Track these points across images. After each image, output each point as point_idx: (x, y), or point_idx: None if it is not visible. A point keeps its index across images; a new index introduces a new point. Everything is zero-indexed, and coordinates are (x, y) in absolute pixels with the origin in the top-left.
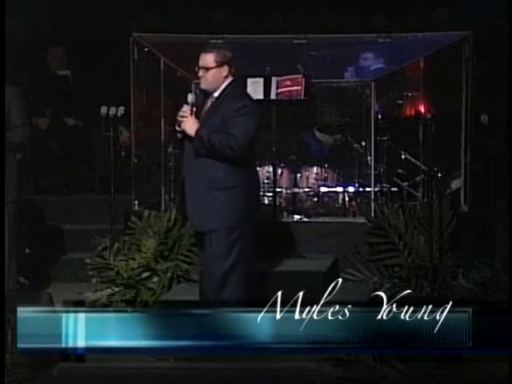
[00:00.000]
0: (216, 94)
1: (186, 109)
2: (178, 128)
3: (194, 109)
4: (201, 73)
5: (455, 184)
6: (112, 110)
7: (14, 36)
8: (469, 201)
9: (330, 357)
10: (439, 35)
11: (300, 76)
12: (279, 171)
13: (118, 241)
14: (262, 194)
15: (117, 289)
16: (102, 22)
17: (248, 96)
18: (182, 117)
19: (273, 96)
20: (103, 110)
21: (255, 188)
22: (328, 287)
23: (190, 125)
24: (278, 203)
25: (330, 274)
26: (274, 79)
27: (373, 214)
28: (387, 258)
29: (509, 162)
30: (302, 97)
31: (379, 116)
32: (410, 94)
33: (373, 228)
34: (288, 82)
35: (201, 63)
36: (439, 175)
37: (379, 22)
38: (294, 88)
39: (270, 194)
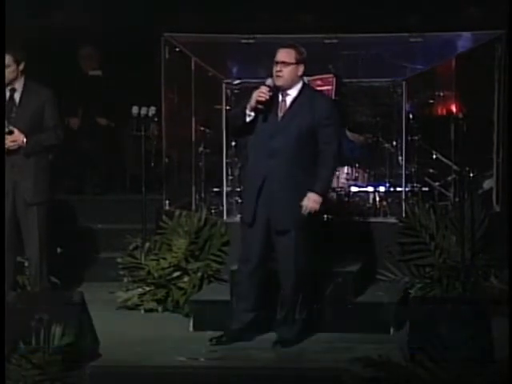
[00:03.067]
0: (293, 94)
1: (264, 89)
2: (249, 111)
3: (271, 93)
4: (278, 67)
5: (487, 184)
6: (143, 110)
7: (45, 36)
8: (501, 201)
9: (361, 357)
10: (471, 34)
11: (331, 76)
12: None
13: (149, 240)
14: None
15: (148, 288)
16: (134, 21)
17: (329, 100)
18: (260, 96)
19: None
20: (134, 110)
21: None
22: (359, 287)
23: (313, 201)
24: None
25: (361, 274)
26: (305, 79)
27: (404, 214)
28: (418, 258)
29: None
30: (333, 97)
31: (410, 116)
32: (441, 94)
33: (404, 228)
34: (319, 82)
35: (279, 58)
36: (471, 175)
37: (411, 21)
38: (325, 88)
39: None
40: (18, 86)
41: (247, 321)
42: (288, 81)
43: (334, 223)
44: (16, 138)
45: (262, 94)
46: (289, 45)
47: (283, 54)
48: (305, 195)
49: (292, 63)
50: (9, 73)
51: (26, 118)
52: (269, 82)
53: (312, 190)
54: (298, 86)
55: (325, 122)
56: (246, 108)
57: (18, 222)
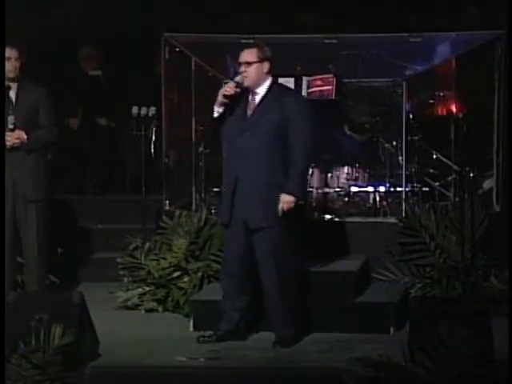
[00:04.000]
0: (261, 92)
1: (231, 85)
2: (217, 107)
3: (238, 90)
4: (243, 68)
5: (487, 184)
6: (143, 110)
7: (45, 36)
8: (501, 201)
9: (361, 357)
10: (471, 34)
11: (331, 76)
12: (310, 171)
13: (149, 240)
14: None
15: (148, 288)
16: (134, 21)
17: (296, 93)
18: (226, 91)
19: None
20: (134, 110)
21: None
22: (359, 287)
23: (288, 201)
24: (308, 203)
25: (361, 273)
26: (304, 79)
27: (404, 214)
28: (418, 258)
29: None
30: (333, 96)
31: (410, 116)
32: (441, 94)
33: (404, 228)
34: (319, 82)
35: (243, 59)
36: (471, 175)
37: (411, 21)
38: (325, 88)
39: None
40: (13, 84)
41: (235, 320)
42: (254, 79)
43: (335, 223)
44: (19, 135)
45: (228, 88)
46: (251, 45)
47: (245, 55)
48: (276, 192)
49: (255, 62)
50: (14, 68)
51: (21, 116)
52: (237, 78)
53: (285, 191)
54: (267, 84)
55: (295, 119)
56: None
57: (16, 220)
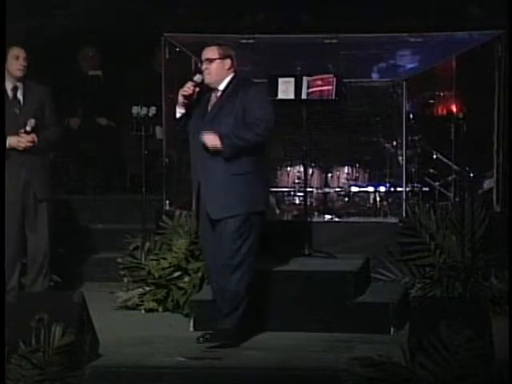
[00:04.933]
0: (222, 87)
1: (189, 85)
2: (179, 108)
3: (198, 89)
4: (204, 65)
5: (487, 184)
6: (143, 110)
7: (45, 36)
8: (501, 201)
9: (361, 357)
10: (471, 34)
11: (331, 76)
12: (310, 171)
13: (149, 240)
14: (293, 193)
15: (148, 288)
16: (134, 21)
17: (257, 84)
18: (184, 93)
19: (304, 96)
20: (135, 110)
21: (267, 174)
22: (359, 287)
23: (211, 139)
24: (309, 203)
25: (361, 273)
26: (305, 79)
27: (404, 214)
28: (418, 258)
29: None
30: (333, 97)
31: (411, 116)
32: (441, 94)
33: (404, 228)
34: (319, 82)
35: (204, 56)
36: (471, 175)
37: (411, 21)
38: (325, 88)
39: (301, 194)
40: (19, 84)
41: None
42: (215, 76)
43: (334, 223)
44: (32, 137)
45: (186, 88)
46: (212, 43)
47: (207, 52)
48: (236, 184)
49: (216, 58)
50: (23, 67)
51: (30, 116)
52: (196, 77)
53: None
54: (227, 80)
55: (251, 105)
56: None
57: (24, 220)
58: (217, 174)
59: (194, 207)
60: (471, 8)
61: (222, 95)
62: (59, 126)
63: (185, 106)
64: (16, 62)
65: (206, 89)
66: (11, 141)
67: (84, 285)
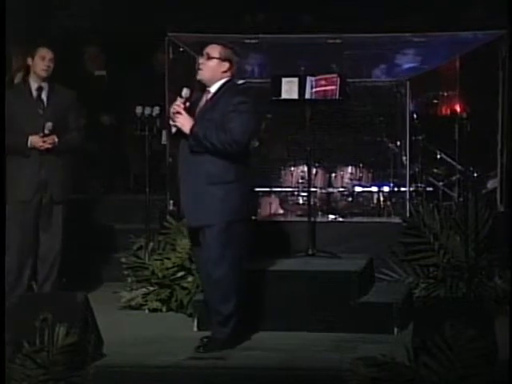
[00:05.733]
0: (213, 90)
1: (178, 102)
2: (172, 122)
3: (188, 104)
4: (201, 60)
5: (491, 184)
6: (147, 110)
7: (50, 36)
8: (505, 201)
9: (364, 357)
10: (475, 34)
11: (335, 76)
12: (314, 171)
13: (153, 240)
14: (296, 193)
15: (151, 288)
16: (138, 21)
17: (247, 94)
18: (175, 111)
19: (307, 96)
20: (138, 109)
21: (249, 184)
22: (363, 287)
23: (183, 122)
24: (312, 203)
25: (365, 273)
26: (308, 79)
27: (408, 214)
28: (422, 258)
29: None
30: (337, 96)
31: (414, 115)
32: (445, 94)
33: (408, 228)
34: (323, 82)
35: (204, 51)
36: (475, 175)
37: (415, 20)
38: (329, 88)
39: (305, 194)
40: (45, 85)
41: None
42: (208, 75)
43: (338, 223)
44: (53, 140)
45: (175, 106)
46: (218, 42)
47: (208, 48)
48: (215, 191)
49: (215, 57)
50: (48, 68)
51: (52, 118)
52: (184, 92)
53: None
54: (220, 83)
55: (230, 113)
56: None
57: (39, 220)
58: (195, 182)
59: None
60: (474, 8)
61: (211, 98)
62: (81, 132)
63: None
64: (42, 62)
65: (201, 87)
66: (32, 140)
67: (87, 285)
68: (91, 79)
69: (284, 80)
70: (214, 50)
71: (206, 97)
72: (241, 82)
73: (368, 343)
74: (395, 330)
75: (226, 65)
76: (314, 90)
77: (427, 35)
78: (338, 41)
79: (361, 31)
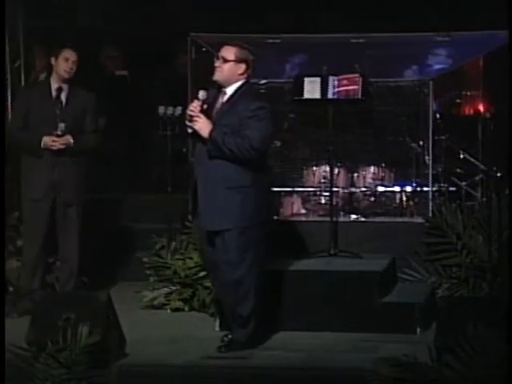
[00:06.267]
0: (229, 92)
1: (195, 104)
2: (188, 123)
3: (205, 106)
4: (218, 63)
5: None
6: (169, 110)
7: (72, 36)
8: None
9: (387, 357)
10: (498, 33)
11: (357, 75)
12: (336, 170)
13: (175, 240)
14: (319, 193)
15: (174, 287)
16: (160, 21)
17: (264, 98)
18: (191, 113)
19: (330, 95)
20: (161, 109)
21: (268, 188)
22: (385, 287)
23: (202, 125)
24: (334, 202)
25: (387, 273)
26: (331, 78)
27: (430, 214)
28: (445, 258)
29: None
30: (359, 96)
31: (437, 115)
32: (468, 93)
33: (430, 228)
34: (345, 82)
35: (220, 53)
36: (498, 174)
37: (438, 20)
38: (351, 87)
39: (327, 194)
40: (65, 86)
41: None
42: (225, 77)
43: (360, 223)
44: (67, 141)
45: (192, 108)
46: (233, 43)
47: (224, 50)
48: (233, 195)
49: (231, 60)
50: (70, 70)
51: (69, 119)
52: (201, 94)
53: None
54: (236, 85)
55: (248, 119)
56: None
57: (53, 221)
58: (213, 186)
59: (191, 207)
60: (498, 7)
61: (228, 101)
62: (97, 134)
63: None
64: (65, 63)
65: (217, 86)
66: (46, 141)
67: (110, 284)
68: (113, 79)
69: (306, 80)
70: (230, 52)
71: (222, 99)
72: (263, 81)
73: (390, 343)
74: (418, 330)
75: (243, 66)
76: (336, 89)
77: (451, 35)
78: (360, 40)
79: (384, 31)
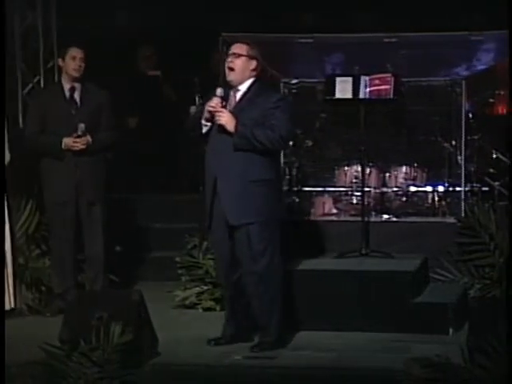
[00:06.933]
0: (243, 89)
1: (216, 101)
2: (205, 122)
3: (224, 103)
4: (230, 59)
5: None
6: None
7: (104, 36)
8: None
9: (419, 357)
10: None
11: (389, 75)
12: (368, 170)
13: (207, 239)
14: (350, 193)
15: (205, 287)
16: (192, 21)
17: (279, 91)
18: (214, 110)
19: (362, 95)
20: (192, 109)
21: (281, 181)
22: (417, 287)
23: (228, 120)
24: (366, 202)
25: (419, 273)
26: (362, 78)
27: (463, 214)
28: (478, 259)
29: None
30: (391, 96)
31: (470, 115)
32: (501, 93)
33: (463, 228)
34: (377, 81)
35: (231, 51)
36: None
37: (472, 19)
38: (383, 87)
39: (359, 194)
40: (77, 85)
41: (241, 322)
42: (239, 74)
43: (392, 222)
44: (86, 140)
45: (213, 104)
46: (243, 41)
47: (234, 47)
48: (255, 189)
49: (243, 55)
50: (79, 67)
51: (85, 118)
52: (219, 91)
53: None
54: (249, 82)
55: (272, 111)
56: (201, 117)
57: (79, 221)
58: (236, 181)
59: (207, 205)
60: None
61: (243, 97)
62: (115, 130)
63: (211, 119)
64: (73, 62)
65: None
66: (67, 142)
67: (142, 284)
68: (145, 79)
69: (338, 79)
70: (241, 48)
71: (236, 97)
72: (294, 81)
73: (422, 343)
74: (450, 330)
75: (254, 63)
76: (368, 89)
77: (484, 34)
78: (393, 40)
79: (417, 30)
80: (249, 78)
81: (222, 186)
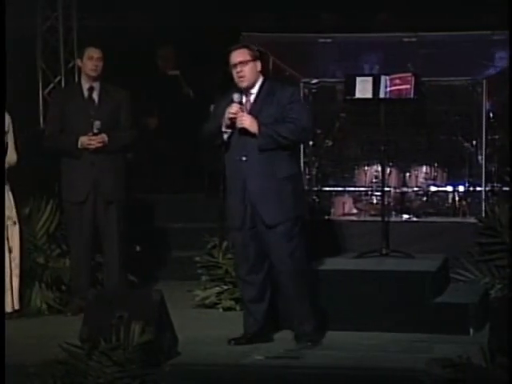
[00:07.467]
0: (255, 91)
1: (235, 107)
2: (225, 129)
3: (243, 107)
4: (238, 68)
5: None
6: None
7: (125, 36)
8: None
9: (440, 357)
10: None
11: (409, 74)
12: (388, 170)
13: (226, 239)
14: (370, 192)
15: (225, 287)
16: (212, 21)
17: (289, 84)
18: (234, 115)
19: (382, 95)
20: (212, 108)
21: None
22: (438, 287)
23: (251, 123)
24: (386, 202)
25: (440, 273)
26: (383, 78)
27: (484, 214)
28: (498, 259)
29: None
30: (412, 95)
31: (491, 114)
32: None
33: (483, 228)
34: (397, 81)
35: (235, 60)
36: None
37: (493, 18)
38: (404, 87)
39: (379, 193)
40: (96, 85)
41: (262, 322)
42: (250, 79)
43: (412, 222)
44: (103, 139)
45: (233, 111)
46: (239, 46)
47: (238, 55)
48: (285, 186)
49: (249, 60)
50: (96, 67)
51: (104, 117)
52: (236, 97)
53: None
54: (259, 83)
55: (290, 105)
56: (221, 126)
57: (96, 220)
58: (265, 179)
59: (234, 206)
60: None
61: (256, 98)
62: (133, 130)
63: (231, 126)
64: (90, 62)
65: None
66: (83, 141)
67: (161, 283)
68: (165, 79)
69: (358, 79)
70: (245, 55)
71: (249, 99)
72: (314, 81)
73: (443, 344)
74: (471, 330)
75: (259, 64)
76: (388, 89)
77: (506, 33)
78: (413, 39)
79: (437, 29)
80: (258, 79)
81: (253, 187)
